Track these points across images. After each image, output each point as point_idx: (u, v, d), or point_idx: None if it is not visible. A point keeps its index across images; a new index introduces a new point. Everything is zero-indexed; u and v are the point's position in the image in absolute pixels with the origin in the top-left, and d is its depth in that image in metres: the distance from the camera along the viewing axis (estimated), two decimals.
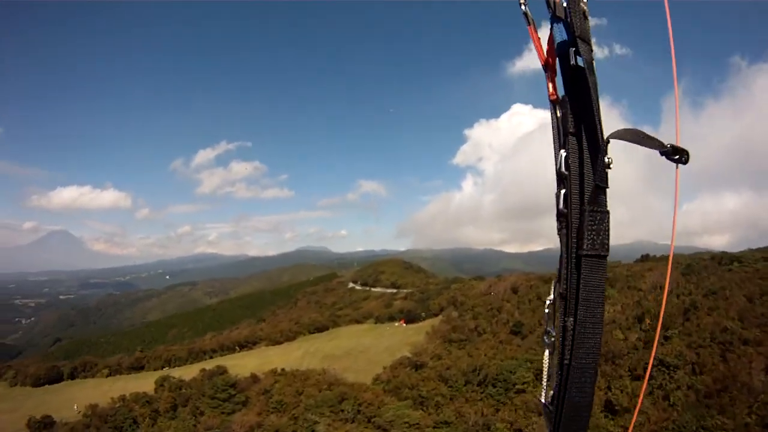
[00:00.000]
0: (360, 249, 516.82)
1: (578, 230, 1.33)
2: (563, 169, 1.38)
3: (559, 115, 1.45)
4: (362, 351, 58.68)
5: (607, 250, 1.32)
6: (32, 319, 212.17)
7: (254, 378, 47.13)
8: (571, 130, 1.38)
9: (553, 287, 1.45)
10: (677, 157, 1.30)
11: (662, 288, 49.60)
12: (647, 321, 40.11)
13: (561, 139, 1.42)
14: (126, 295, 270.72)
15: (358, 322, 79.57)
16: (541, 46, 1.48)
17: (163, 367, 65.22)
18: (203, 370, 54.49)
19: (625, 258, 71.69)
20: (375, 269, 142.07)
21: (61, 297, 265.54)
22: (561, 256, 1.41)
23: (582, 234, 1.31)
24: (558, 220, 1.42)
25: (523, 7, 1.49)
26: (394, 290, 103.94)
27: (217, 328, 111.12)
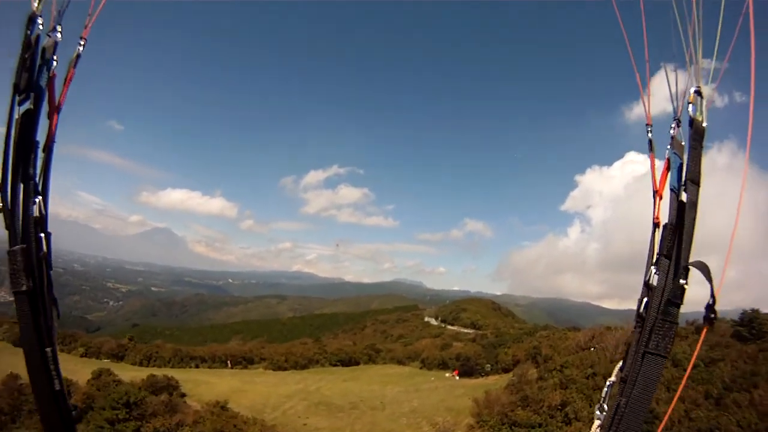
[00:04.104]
0: (456, 288, 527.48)
1: (650, 332, 1.72)
2: (651, 282, 1.81)
3: (658, 236, 1.87)
4: (376, 407, 39.88)
5: (668, 353, 1.69)
6: (120, 302, 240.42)
7: (167, 405, 32.54)
8: (664, 252, 1.80)
9: (616, 370, 1.90)
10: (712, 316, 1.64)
11: None
12: None
13: (655, 257, 1.85)
14: (214, 297, 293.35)
15: (399, 362, 60.46)
16: (655, 173, 1.96)
17: (141, 363, 56.55)
18: (152, 375, 42.65)
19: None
20: (458, 306, 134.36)
21: (152, 288, 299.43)
22: (629, 347, 1.84)
23: (651, 336, 1.71)
24: (636, 319, 1.86)
25: (649, 134, 2.08)
26: (471, 331, 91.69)
27: (278, 341, 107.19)
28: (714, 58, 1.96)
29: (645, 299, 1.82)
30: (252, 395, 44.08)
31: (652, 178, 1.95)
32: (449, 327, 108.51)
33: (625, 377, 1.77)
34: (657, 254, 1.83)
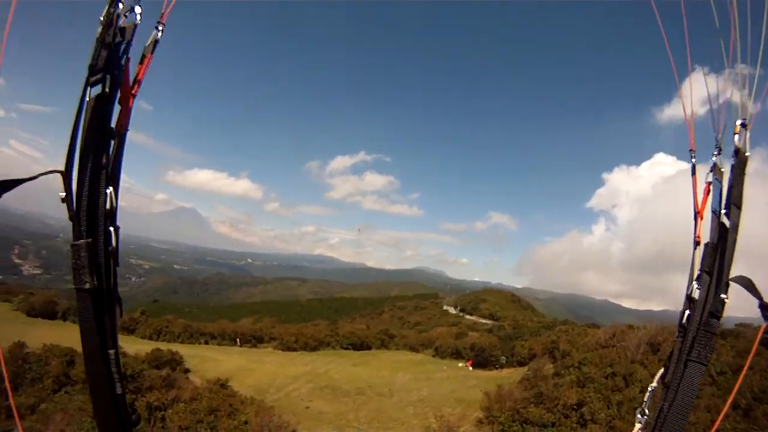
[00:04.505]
0: (477, 279, 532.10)
1: (692, 342, 1.83)
2: (694, 295, 1.91)
3: (699, 254, 1.97)
4: (383, 393, 38.17)
5: (708, 361, 1.79)
6: (142, 278, 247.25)
7: (165, 379, 31.55)
8: (706, 269, 1.91)
9: (657, 377, 1.96)
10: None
11: None
12: None
13: (696, 273, 1.95)
14: (235, 277, 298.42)
15: (412, 349, 58.62)
16: (697, 195, 2.06)
17: (151, 336, 56.71)
18: (157, 350, 42.18)
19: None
20: (477, 296, 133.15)
21: (175, 266, 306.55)
22: (672, 354, 1.93)
23: (693, 345, 1.82)
24: (678, 329, 1.94)
25: (693, 160, 2.17)
26: (489, 321, 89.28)
27: (295, 322, 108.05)
28: (758, 65, 2.05)
29: (687, 312, 1.92)
30: (258, 375, 43.17)
31: (694, 200, 2.07)
32: (467, 317, 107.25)
33: (668, 383, 1.86)
34: (699, 270, 1.94)
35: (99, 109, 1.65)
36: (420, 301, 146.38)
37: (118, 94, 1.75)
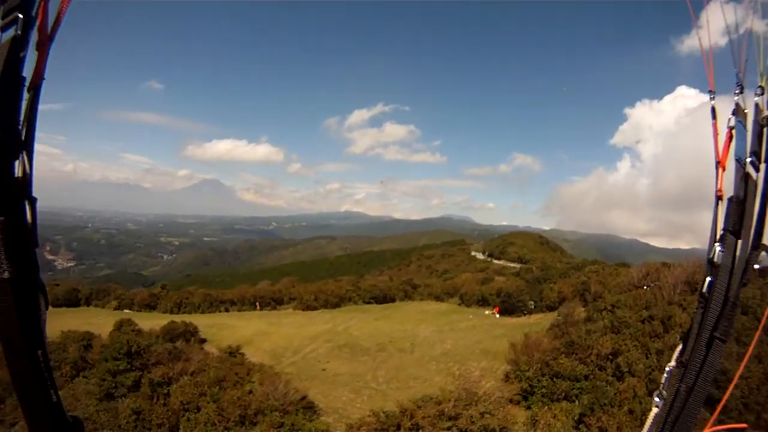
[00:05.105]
0: (504, 223, 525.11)
1: (718, 316, 1.55)
2: (716, 260, 1.60)
3: (722, 211, 1.66)
4: (405, 349, 36.32)
5: (729, 337, 1.56)
6: (174, 255, 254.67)
7: (171, 352, 30.43)
8: (730, 229, 1.59)
9: (675, 354, 1.71)
10: None
11: None
12: None
13: (719, 234, 1.63)
14: (264, 242, 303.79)
15: (437, 298, 56.72)
16: (718, 143, 1.74)
17: (172, 310, 56.96)
18: (172, 322, 41.69)
19: None
20: (505, 240, 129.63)
21: (205, 239, 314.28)
22: (690, 330, 1.65)
23: (719, 320, 1.55)
24: (698, 299, 1.66)
25: (712, 101, 1.84)
26: (517, 265, 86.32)
27: (323, 279, 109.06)
28: None
29: (709, 278, 1.61)
30: (275, 338, 42.31)
31: (715, 148, 1.74)
32: (495, 261, 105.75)
33: (686, 362, 1.61)
34: (722, 230, 1.62)
35: (11, 57, 1.28)
36: (447, 249, 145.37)
37: (35, 38, 1.36)
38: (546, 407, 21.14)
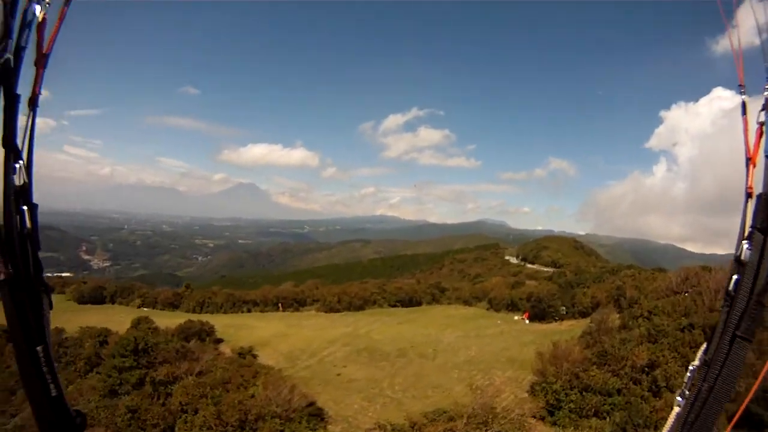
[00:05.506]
0: (539, 228, 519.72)
1: (741, 315, 1.55)
2: (743, 257, 1.58)
3: (751, 208, 1.64)
4: (426, 355, 33.91)
5: (754, 337, 1.56)
6: (208, 257, 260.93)
7: (178, 352, 29.33)
8: (758, 226, 1.57)
9: (700, 353, 1.67)
10: None
11: None
12: None
13: (747, 231, 1.62)
14: (299, 245, 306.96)
15: (465, 302, 53.86)
16: (749, 138, 1.71)
17: (195, 309, 56.93)
18: (189, 321, 41.08)
19: None
20: (539, 244, 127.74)
21: (239, 241, 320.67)
22: (716, 329, 1.63)
23: (743, 319, 1.55)
24: (724, 298, 1.64)
25: (742, 96, 1.80)
26: (551, 269, 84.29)
27: (356, 280, 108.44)
28: None
29: (736, 276, 1.59)
30: (293, 340, 40.90)
31: (745, 144, 1.70)
32: (529, 265, 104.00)
33: (709, 361, 1.59)
34: (750, 227, 1.60)
35: (4, 75, 1.44)
36: (481, 252, 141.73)
37: (33, 57, 1.55)
38: (573, 424, 18.46)
